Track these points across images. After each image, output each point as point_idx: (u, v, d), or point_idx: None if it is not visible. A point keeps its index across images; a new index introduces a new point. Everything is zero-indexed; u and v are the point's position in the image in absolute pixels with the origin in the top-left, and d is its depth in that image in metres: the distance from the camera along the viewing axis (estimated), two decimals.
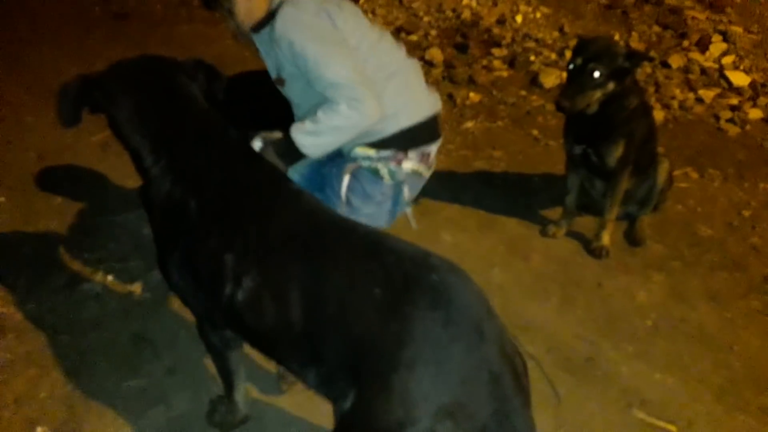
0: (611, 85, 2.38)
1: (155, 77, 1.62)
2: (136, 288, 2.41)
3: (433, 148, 1.99)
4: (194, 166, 1.50)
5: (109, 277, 2.47)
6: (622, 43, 4.71)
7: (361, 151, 1.91)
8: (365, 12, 5.39)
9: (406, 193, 1.99)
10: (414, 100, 1.92)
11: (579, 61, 2.37)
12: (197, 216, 1.45)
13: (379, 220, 2.01)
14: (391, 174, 1.93)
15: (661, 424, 1.97)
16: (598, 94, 2.39)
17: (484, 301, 1.26)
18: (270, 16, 1.83)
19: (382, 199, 1.97)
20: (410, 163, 1.93)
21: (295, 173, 2.05)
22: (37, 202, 2.85)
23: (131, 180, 2.92)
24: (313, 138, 1.77)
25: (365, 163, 1.93)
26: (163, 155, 1.52)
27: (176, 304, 2.33)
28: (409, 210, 2.14)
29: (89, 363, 2.08)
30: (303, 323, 1.29)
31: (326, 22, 1.77)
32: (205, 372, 2.05)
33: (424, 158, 1.97)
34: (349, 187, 1.95)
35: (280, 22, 1.75)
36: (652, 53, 4.51)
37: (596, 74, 2.33)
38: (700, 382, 2.12)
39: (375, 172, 1.93)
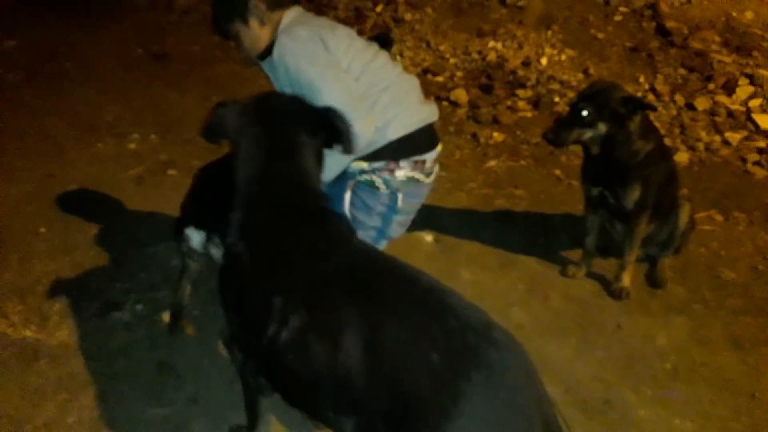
0: (602, 127, 2.45)
1: (274, 128, 1.67)
2: (164, 317, 2.50)
3: (428, 156, 2.00)
4: (263, 225, 1.55)
5: (139, 306, 2.56)
6: (647, 85, 4.76)
7: (355, 165, 1.97)
8: (394, 55, 5.57)
9: (400, 200, 2.00)
10: (405, 112, 1.95)
11: (575, 100, 2.47)
12: (251, 256, 1.50)
13: (382, 232, 2.05)
14: (386, 183, 1.96)
15: None
16: (588, 134, 2.47)
17: (537, 382, 1.25)
18: (272, 45, 1.93)
19: (383, 210, 2.01)
20: (403, 171, 1.96)
21: None
22: (74, 233, 2.98)
23: (162, 213, 3.05)
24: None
25: (361, 177, 1.98)
26: (243, 206, 1.59)
27: (202, 333, 2.40)
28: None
29: (116, 389, 2.15)
30: (353, 369, 1.26)
31: (318, 46, 1.85)
32: (227, 402, 2.10)
33: (418, 166, 1.98)
34: (352, 203, 2.00)
35: (276, 51, 1.86)
36: (677, 96, 4.54)
37: (584, 113, 2.41)
38: (720, 429, 2.10)
39: (371, 184, 1.97)
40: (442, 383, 1.17)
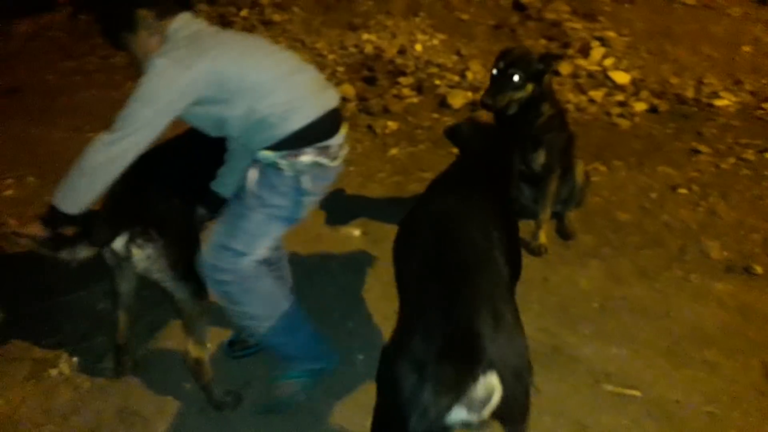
0: (530, 87, 2.70)
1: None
2: (108, 364, 2.37)
3: (331, 142, 2.03)
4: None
5: (75, 359, 2.41)
6: None
7: (261, 154, 2.00)
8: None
9: (306, 182, 2.02)
10: (304, 102, 1.98)
11: (501, 65, 2.70)
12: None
13: (292, 211, 2.06)
14: (291, 166, 1.98)
15: (628, 391, 2.20)
16: (518, 95, 2.71)
17: None
18: None
19: (287, 190, 2.03)
20: (308, 157, 1.98)
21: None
22: None
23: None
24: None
25: (267, 161, 2.00)
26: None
27: (156, 372, 2.32)
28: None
29: None
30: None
31: (167, 83, 1.81)
32: (208, 429, 2.06)
33: (323, 151, 2.01)
34: (258, 182, 2.01)
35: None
36: None
37: (516, 78, 2.63)
38: (650, 349, 2.39)
39: (275, 166, 1.99)
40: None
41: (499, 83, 2.70)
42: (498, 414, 1.39)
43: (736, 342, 2.40)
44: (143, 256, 1.85)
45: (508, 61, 2.69)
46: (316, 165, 2.02)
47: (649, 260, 2.90)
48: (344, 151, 2.10)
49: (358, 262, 2.96)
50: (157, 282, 1.93)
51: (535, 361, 2.28)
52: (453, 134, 2.58)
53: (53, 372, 2.34)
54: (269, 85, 1.93)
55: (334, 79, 5.20)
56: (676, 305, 2.62)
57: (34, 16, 6.38)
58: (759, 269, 2.78)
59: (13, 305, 2.68)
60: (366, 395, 2.18)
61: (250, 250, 1.98)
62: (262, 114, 1.89)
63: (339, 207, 3.40)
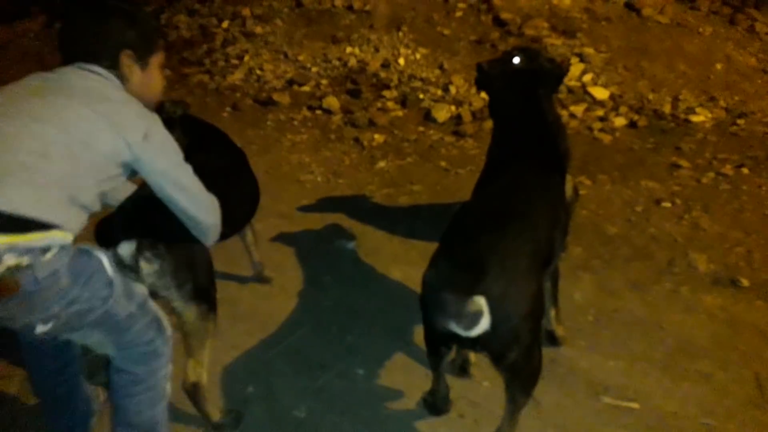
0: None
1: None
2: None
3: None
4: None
5: None
6: None
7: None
8: (252, 70, 5.51)
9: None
10: None
11: (510, 50, 2.73)
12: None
13: None
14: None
15: (626, 404, 2.23)
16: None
17: None
18: None
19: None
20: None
21: None
22: None
23: None
24: None
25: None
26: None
27: None
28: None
29: None
30: None
31: None
32: None
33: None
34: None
35: None
36: None
37: (516, 60, 2.65)
38: (645, 361, 2.43)
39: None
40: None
41: (500, 59, 2.68)
42: (492, 349, 1.74)
43: (728, 354, 2.46)
44: (151, 271, 1.80)
45: (515, 47, 2.73)
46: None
47: (640, 273, 2.95)
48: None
49: (352, 275, 2.94)
50: (165, 299, 1.87)
51: None
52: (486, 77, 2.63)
53: None
54: None
55: (318, 91, 5.21)
56: (667, 317, 2.66)
57: (8, 24, 6.25)
58: (745, 282, 2.85)
59: None
60: (368, 410, 2.17)
61: None
62: None
63: (330, 220, 3.39)
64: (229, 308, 2.57)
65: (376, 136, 4.47)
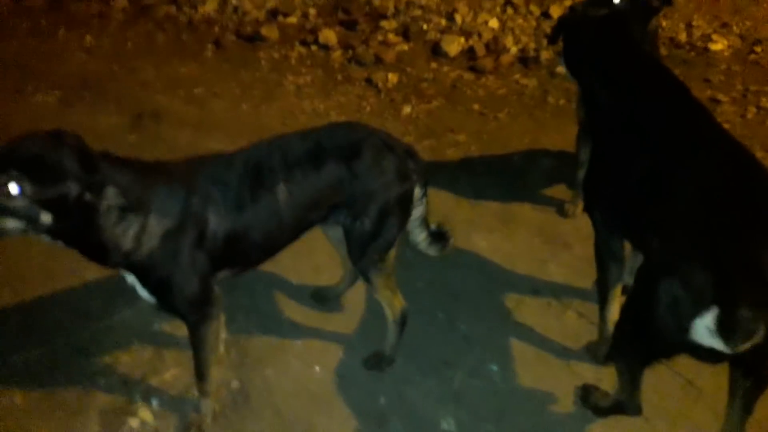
0: None
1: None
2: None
3: None
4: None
5: (154, 401, 1.95)
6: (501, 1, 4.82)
7: None
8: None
9: None
10: None
11: None
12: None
13: None
14: None
15: None
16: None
17: None
18: None
19: None
20: None
21: None
22: None
23: None
24: None
25: None
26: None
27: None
28: None
29: None
30: None
31: None
32: None
33: None
34: None
35: None
36: (533, 7, 4.70)
37: None
38: None
39: None
40: None
41: None
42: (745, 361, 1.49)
43: None
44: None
45: None
46: None
47: None
48: None
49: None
50: None
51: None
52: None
53: (133, 422, 1.88)
54: None
55: (307, 23, 4.62)
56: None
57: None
58: None
59: (49, 338, 2.13)
60: (522, 416, 1.93)
61: None
62: None
63: None
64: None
65: (390, 75, 4.02)
